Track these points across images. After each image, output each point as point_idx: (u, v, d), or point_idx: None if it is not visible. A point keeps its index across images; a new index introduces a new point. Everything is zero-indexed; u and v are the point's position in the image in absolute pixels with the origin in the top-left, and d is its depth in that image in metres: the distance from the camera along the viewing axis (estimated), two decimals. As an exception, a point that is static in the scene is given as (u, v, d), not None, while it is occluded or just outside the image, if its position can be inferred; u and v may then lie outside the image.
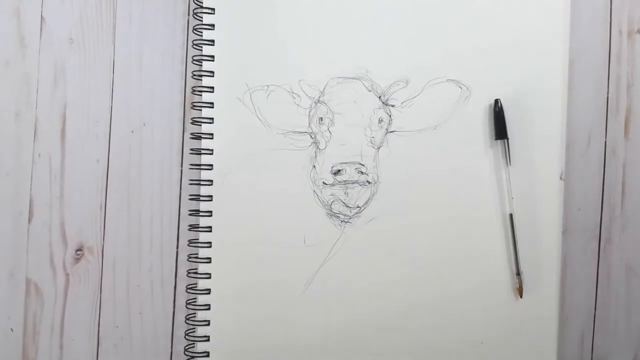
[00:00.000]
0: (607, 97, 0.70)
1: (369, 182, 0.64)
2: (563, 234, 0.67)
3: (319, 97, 0.63)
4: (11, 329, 0.63)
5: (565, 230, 0.68)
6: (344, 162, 0.63)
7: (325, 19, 0.64)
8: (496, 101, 0.64)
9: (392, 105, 0.64)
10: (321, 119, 0.63)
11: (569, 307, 0.70)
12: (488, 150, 0.65)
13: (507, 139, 0.65)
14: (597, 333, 0.70)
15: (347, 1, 0.64)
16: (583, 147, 0.70)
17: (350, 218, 0.64)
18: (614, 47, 0.70)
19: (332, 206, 0.63)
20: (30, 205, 0.63)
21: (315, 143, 0.63)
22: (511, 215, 0.65)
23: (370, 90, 0.64)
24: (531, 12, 0.66)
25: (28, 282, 0.63)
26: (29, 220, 0.63)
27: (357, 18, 0.64)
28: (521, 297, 0.65)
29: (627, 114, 0.71)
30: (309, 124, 0.63)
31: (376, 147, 0.64)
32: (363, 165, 0.63)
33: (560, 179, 0.66)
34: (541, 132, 0.66)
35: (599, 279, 0.70)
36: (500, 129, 0.64)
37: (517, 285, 0.65)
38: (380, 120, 0.64)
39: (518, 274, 0.65)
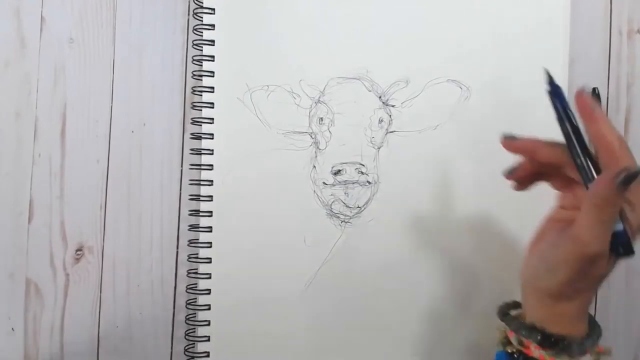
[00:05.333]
0: (607, 97, 0.70)
1: (369, 182, 0.64)
2: (563, 234, 0.67)
3: (319, 97, 0.63)
4: (12, 329, 0.63)
5: (565, 230, 0.68)
6: (344, 162, 0.63)
7: (326, 19, 0.64)
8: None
9: (392, 106, 0.64)
10: (321, 119, 0.63)
11: (569, 307, 0.70)
12: (488, 150, 0.65)
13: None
14: (597, 333, 0.70)
15: (347, 1, 0.64)
16: (583, 147, 0.70)
17: (350, 218, 0.64)
18: (614, 47, 0.71)
19: (333, 206, 0.64)
20: (30, 205, 0.63)
21: (316, 143, 0.63)
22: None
23: (370, 91, 0.64)
24: (531, 13, 0.66)
25: (28, 282, 0.63)
26: (29, 220, 0.63)
27: (357, 18, 0.64)
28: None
29: (627, 114, 0.71)
30: (309, 124, 0.63)
31: (376, 147, 0.64)
32: (363, 165, 0.63)
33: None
34: (541, 132, 0.66)
35: (598, 279, 0.70)
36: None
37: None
38: (381, 121, 0.64)
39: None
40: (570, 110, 0.46)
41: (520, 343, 0.48)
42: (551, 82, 0.48)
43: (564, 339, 0.45)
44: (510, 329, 0.49)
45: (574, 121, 0.45)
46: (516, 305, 0.52)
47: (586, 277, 0.44)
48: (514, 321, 0.49)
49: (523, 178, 0.49)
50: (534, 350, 0.46)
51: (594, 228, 0.42)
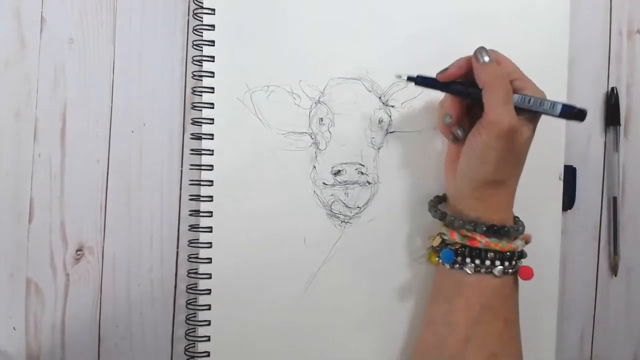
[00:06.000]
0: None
1: (369, 183, 0.64)
2: (563, 234, 0.67)
3: (319, 97, 0.63)
4: (13, 328, 0.63)
5: (565, 230, 0.68)
6: (344, 162, 0.63)
7: (326, 19, 0.64)
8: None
9: (392, 106, 0.64)
10: (321, 119, 0.63)
11: (569, 307, 0.70)
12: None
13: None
14: (597, 333, 0.71)
15: (347, 1, 0.64)
16: (583, 148, 0.70)
17: (350, 218, 0.64)
18: (614, 47, 0.71)
19: (332, 206, 0.64)
20: (30, 206, 0.63)
21: (316, 143, 0.63)
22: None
23: (370, 91, 0.64)
24: (531, 13, 0.66)
25: (28, 282, 0.63)
26: (29, 221, 0.63)
27: (357, 18, 0.64)
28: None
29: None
30: (309, 124, 0.63)
31: (376, 148, 0.64)
32: (363, 165, 0.63)
33: (560, 179, 0.66)
34: (541, 132, 0.66)
35: (598, 279, 0.71)
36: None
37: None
38: (380, 121, 0.64)
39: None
40: (437, 80, 0.57)
41: (464, 238, 0.56)
42: (410, 78, 0.58)
43: (503, 227, 0.55)
44: (453, 228, 0.57)
45: (448, 84, 0.57)
46: (441, 199, 0.63)
47: (512, 151, 0.53)
48: (456, 220, 0.56)
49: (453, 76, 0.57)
50: (480, 239, 0.55)
51: (498, 107, 0.52)
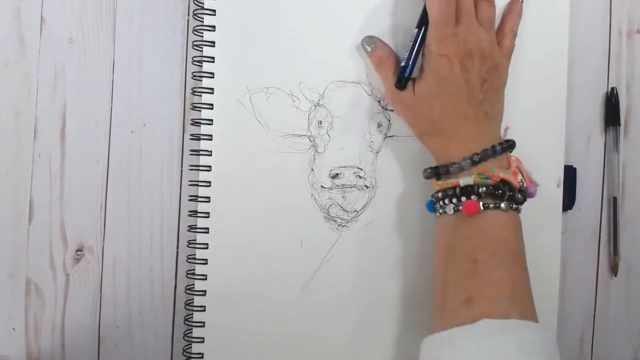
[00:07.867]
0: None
1: (366, 187, 0.64)
2: (563, 234, 0.67)
3: (319, 100, 0.63)
4: (13, 328, 0.63)
5: (565, 230, 0.68)
6: (342, 166, 0.63)
7: (326, 22, 0.64)
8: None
9: (392, 110, 0.64)
10: (320, 122, 0.63)
11: (569, 307, 0.70)
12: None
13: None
14: (597, 333, 0.71)
15: (347, 4, 0.64)
16: (583, 148, 0.70)
17: (347, 222, 0.64)
18: (614, 47, 0.70)
19: (330, 210, 0.63)
20: (30, 206, 0.63)
21: (314, 146, 0.63)
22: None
23: (369, 95, 0.64)
24: (531, 13, 0.65)
25: (28, 282, 0.63)
26: (29, 221, 0.63)
27: (357, 21, 0.64)
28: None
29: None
30: (308, 127, 0.63)
31: (375, 152, 0.64)
32: (361, 169, 0.63)
33: (560, 180, 0.66)
34: (541, 132, 0.66)
35: (598, 279, 0.71)
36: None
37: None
38: (380, 125, 0.64)
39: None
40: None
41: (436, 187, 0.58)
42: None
43: (444, 166, 0.57)
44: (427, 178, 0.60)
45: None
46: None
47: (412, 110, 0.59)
48: (424, 172, 0.60)
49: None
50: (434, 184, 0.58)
51: (384, 84, 0.61)
